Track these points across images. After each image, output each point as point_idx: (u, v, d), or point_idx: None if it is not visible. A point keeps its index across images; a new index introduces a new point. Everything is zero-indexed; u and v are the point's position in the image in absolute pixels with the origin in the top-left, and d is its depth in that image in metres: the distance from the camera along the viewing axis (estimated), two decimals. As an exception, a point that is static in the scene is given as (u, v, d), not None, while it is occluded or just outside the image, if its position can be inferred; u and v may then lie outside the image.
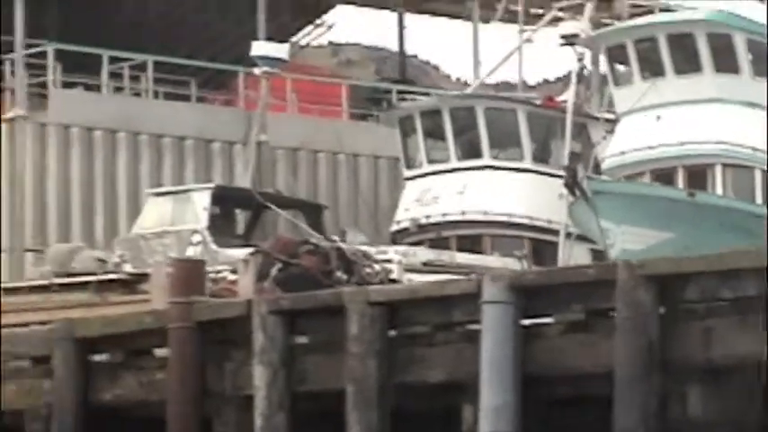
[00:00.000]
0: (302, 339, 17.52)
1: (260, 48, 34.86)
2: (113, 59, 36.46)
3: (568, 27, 33.97)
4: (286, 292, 20.81)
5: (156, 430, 18.52)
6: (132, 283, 23.38)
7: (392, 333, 16.66)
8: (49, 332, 19.41)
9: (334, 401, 16.98)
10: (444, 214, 32.69)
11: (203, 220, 30.48)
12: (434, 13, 44.45)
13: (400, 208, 33.50)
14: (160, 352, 18.70)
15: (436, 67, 53.09)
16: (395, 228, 33.16)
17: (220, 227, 31.09)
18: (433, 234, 32.32)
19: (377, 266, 23.79)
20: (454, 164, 33.23)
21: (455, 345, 16.30)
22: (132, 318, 19.17)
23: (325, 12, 44.83)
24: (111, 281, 23.49)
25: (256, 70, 34.56)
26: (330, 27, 44.78)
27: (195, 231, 30.28)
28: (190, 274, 18.47)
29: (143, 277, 23.21)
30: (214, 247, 29.52)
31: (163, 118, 36.72)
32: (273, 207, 31.87)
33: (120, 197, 35.86)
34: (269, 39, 37.24)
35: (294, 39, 43.96)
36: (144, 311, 19.69)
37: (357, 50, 49.62)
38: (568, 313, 15.59)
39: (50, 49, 35.32)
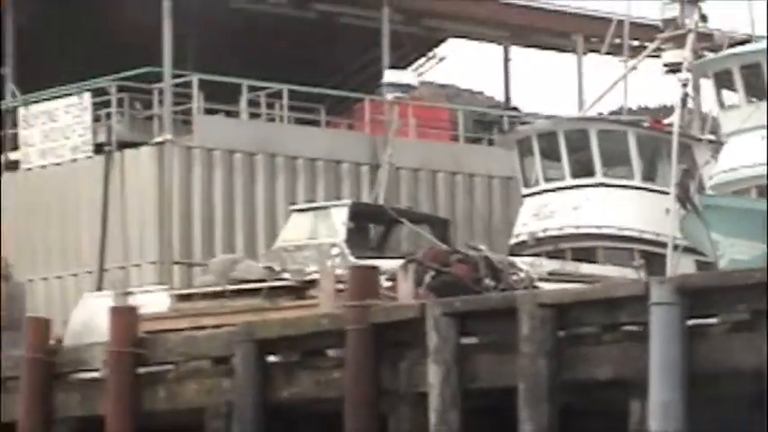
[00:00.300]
0: (472, 340, 17.16)
1: (391, 76, 34.68)
2: (251, 88, 36.20)
3: (673, 56, 33.46)
4: (439, 297, 20.46)
5: (330, 426, 18.22)
6: (300, 289, 23.14)
7: (561, 333, 16.30)
8: (230, 334, 19.11)
9: (503, 398, 16.66)
10: (560, 228, 32.25)
11: (341, 234, 30.23)
12: (539, 47, 43.83)
13: (518, 222, 33.10)
14: (333, 352, 18.39)
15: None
16: (514, 240, 32.73)
17: (356, 240, 30.82)
18: (549, 246, 31.86)
19: (522, 274, 23.47)
20: (569, 182, 32.80)
21: (622, 344, 15.95)
22: (309, 320, 18.83)
23: (437, 45, 44.43)
24: (280, 287, 23.22)
25: (388, 96, 34.41)
26: (442, 59, 44.33)
27: (334, 244, 30.02)
28: (365, 280, 18.12)
29: (311, 284, 22.97)
30: (351, 258, 29.17)
31: (296, 141, 36.50)
32: (406, 221, 31.60)
33: (258, 214, 35.60)
34: (392, 68, 37.14)
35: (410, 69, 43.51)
36: (320, 314, 19.39)
37: (429, 88, 49.05)
38: (733, 313, 15.21)
39: (195, 78, 35.13)
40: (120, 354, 19.65)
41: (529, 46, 43.90)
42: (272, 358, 18.74)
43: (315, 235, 30.58)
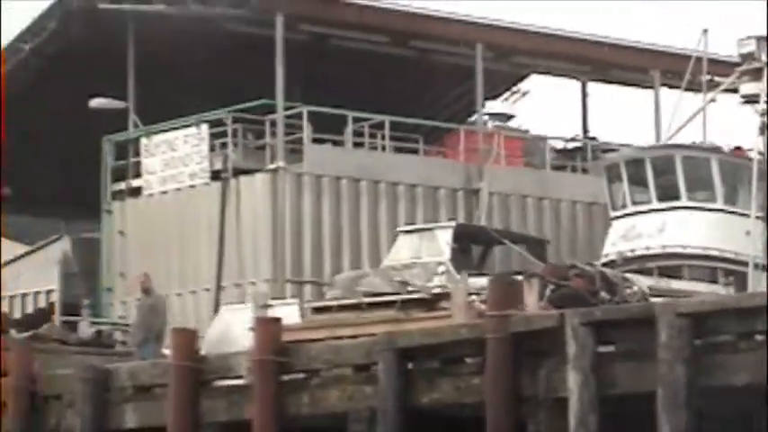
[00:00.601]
0: (609, 348, 16.59)
1: (493, 107, 34.34)
2: (355, 119, 35.78)
3: (750, 88, 32.83)
4: (557, 309, 19.92)
5: (469, 430, 17.73)
6: (431, 302, 22.65)
7: (697, 342, 15.70)
8: (371, 343, 18.59)
9: (639, 404, 16.10)
10: (647, 248, 31.63)
11: (446, 254, 29.71)
12: (617, 82, 43.15)
13: (607, 243, 32.49)
14: (471, 360, 17.86)
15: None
16: (603, 260, 32.02)
17: (459, 259, 30.25)
18: (636, 265, 31.16)
19: (635, 288, 22.88)
20: (655, 205, 32.19)
21: (757, 352, 15.32)
22: (448, 330, 18.35)
23: (521, 80, 43.87)
24: (412, 300, 22.73)
25: (490, 125, 34.02)
26: (525, 93, 43.76)
27: (440, 263, 29.47)
28: (505, 291, 17.55)
29: (442, 296, 22.48)
30: (456, 276, 28.63)
31: (397, 169, 36.03)
32: (507, 242, 31.07)
33: (363, 236, 35.14)
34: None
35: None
36: (460, 324, 18.90)
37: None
38: None
39: (305, 110, 34.71)
40: (265, 362, 19.19)
41: (607, 81, 43.15)
42: (412, 365, 18.21)
43: (421, 254, 30.03)
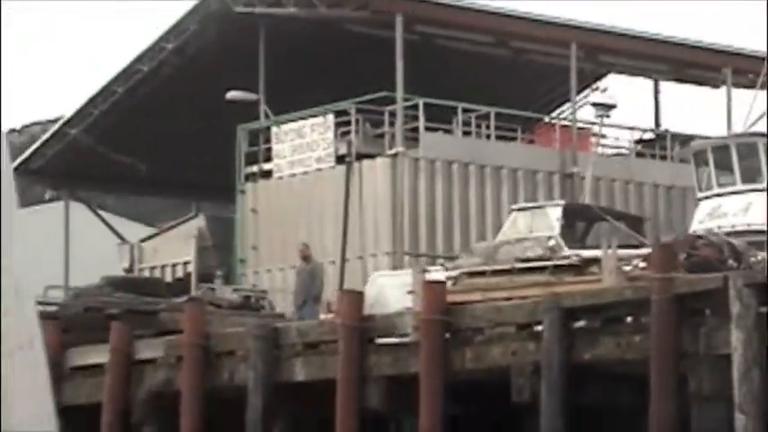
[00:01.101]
0: None
1: (597, 97, 33.22)
2: (464, 110, 34.73)
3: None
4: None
5: (630, 385, 16.67)
6: (581, 268, 21.54)
7: None
8: (535, 304, 17.52)
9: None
10: (733, 225, 30.28)
11: (556, 229, 28.46)
12: (690, 81, 41.81)
13: (694, 221, 31.20)
14: (632, 319, 16.77)
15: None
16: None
17: (567, 234, 29.07)
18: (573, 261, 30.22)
19: (759, 256, 21.64)
20: (739, 187, 30.88)
21: None
22: (612, 291, 17.26)
23: (600, 78, 42.54)
24: (563, 265, 21.62)
25: (595, 114, 32.94)
26: (605, 90, 42.36)
27: (550, 237, 28.28)
28: (667, 256, 16.46)
29: (592, 262, 21.36)
30: (565, 249, 27.47)
31: (500, 154, 35.02)
32: (610, 218, 29.87)
33: (471, 214, 34.11)
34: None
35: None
36: (624, 286, 17.80)
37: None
38: None
39: (421, 102, 33.67)
40: (431, 321, 18.16)
41: (680, 80, 41.83)
42: (575, 324, 17.12)
43: (533, 229, 28.85)
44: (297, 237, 34.54)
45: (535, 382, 17.12)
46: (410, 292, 20.04)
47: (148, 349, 22.32)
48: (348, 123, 34.28)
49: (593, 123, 38.15)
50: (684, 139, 38.86)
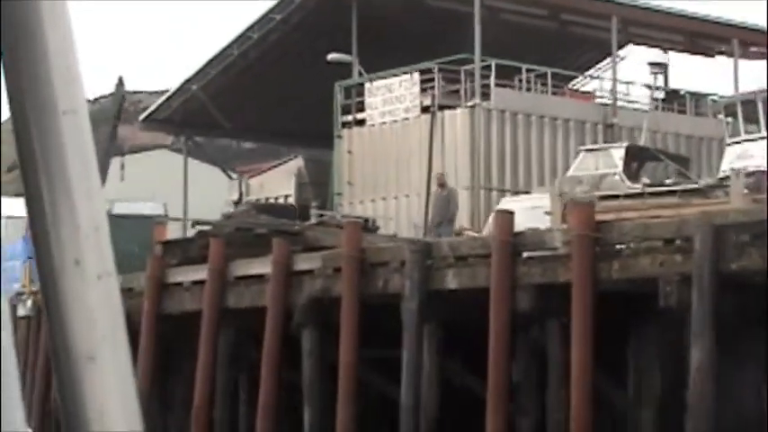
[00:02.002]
0: None
1: (654, 57, 31.05)
2: (527, 70, 32.52)
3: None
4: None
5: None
6: (706, 192, 19.37)
7: None
8: (681, 221, 15.32)
9: None
10: (758, 166, 28.08)
11: (620, 167, 26.35)
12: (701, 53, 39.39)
13: (724, 162, 28.88)
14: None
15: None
16: (721, 175, 28.66)
17: (626, 171, 26.90)
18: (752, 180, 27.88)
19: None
20: (764, 134, 28.62)
21: None
22: (758, 209, 15.03)
23: (621, 47, 40.14)
24: (691, 189, 19.44)
25: (650, 71, 30.72)
26: (623, 59, 40.05)
27: (615, 173, 26.13)
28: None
29: (716, 186, 19.19)
30: (627, 183, 25.34)
31: (555, 107, 32.90)
32: (665, 158, 27.71)
33: (533, 156, 31.98)
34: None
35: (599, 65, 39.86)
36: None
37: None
38: None
39: (493, 63, 31.45)
40: (582, 236, 15.91)
41: (692, 51, 39.41)
42: (724, 239, 14.93)
43: (598, 167, 26.70)
44: (386, 174, 32.73)
45: (682, 291, 15.00)
46: (547, 213, 17.95)
47: (306, 262, 20.15)
48: (431, 80, 32.07)
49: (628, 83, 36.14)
50: (698, 98, 36.85)
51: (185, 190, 38.81)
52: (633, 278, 15.74)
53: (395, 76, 32.90)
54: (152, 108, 39.02)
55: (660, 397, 16.78)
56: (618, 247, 15.91)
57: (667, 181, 25.00)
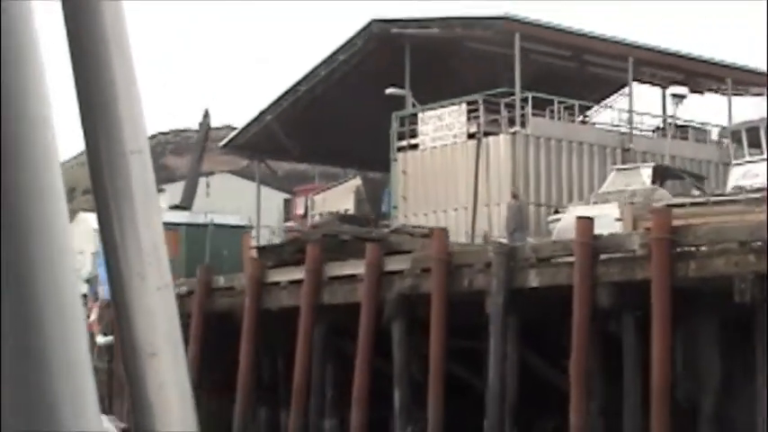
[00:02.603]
0: None
1: (674, 90, 30.09)
2: (559, 102, 31.50)
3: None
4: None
5: None
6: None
7: None
8: (756, 224, 14.28)
9: None
10: (762, 183, 26.99)
11: (648, 183, 25.27)
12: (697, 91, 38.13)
13: (730, 181, 27.82)
14: None
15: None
16: (729, 191, 27.56)
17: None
18: (758, 195, 26.70)
19: None
20: (766, 156, 27.53)
21: None
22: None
23: (623, 86, 38.89)
24: (753, 198, 18.31)
25: (672, 101, 29.59)
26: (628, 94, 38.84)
27: (644, 190, 25.04)
28: None
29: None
30: (655, 196, 24.26)
31: (581, 133, 31.89)
32: (686, 176, 26.63)
33: (563, 175, 30.81)
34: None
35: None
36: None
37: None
38: None
39: (530, 95, 30.42)
40: (661, 239, 14.90)
41: (691, 89, 38.18)
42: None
43: (629, 185, 25.63)
44: (436, 190, 31.66)
45: (756, 288, 13.96)
46: (618, 220, 16.94)
47: (395, 263, 19.14)
48: (476, 110, 31.05)
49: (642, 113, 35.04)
50: (700, 128, 35.82)
51: (258, 205, 37.82)
52: (707, 277, 14.71)
53: (443, 107, 31.89)
54: (232, 135, 38.06)
55: (719, 386, 15.72)
56: (693, 248, 14.89)
57: (695, 193, 23.93)
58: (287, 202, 42.99)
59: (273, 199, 41.10)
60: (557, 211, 26.88)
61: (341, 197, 36.11)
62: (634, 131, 33.65)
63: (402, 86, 33.24)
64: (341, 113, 35.49)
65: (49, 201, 0.84)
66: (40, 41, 0.92)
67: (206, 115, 35.15)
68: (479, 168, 30.38)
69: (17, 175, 0.84)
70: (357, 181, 36.45)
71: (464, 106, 31.32)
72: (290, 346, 21.27)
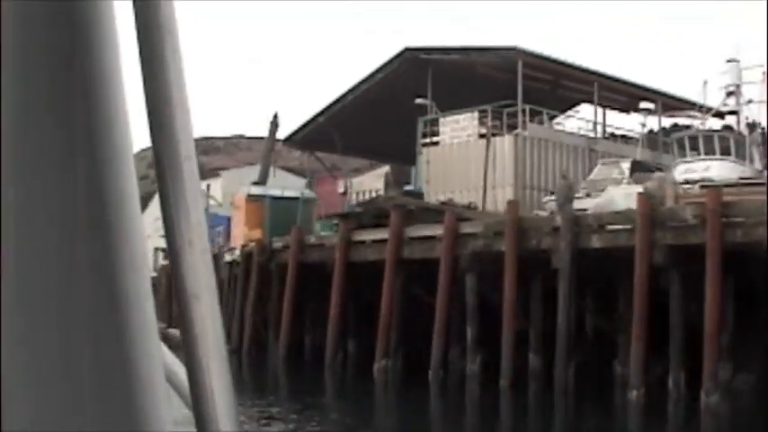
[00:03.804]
0: None
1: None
2: (546, 113, 29.59)
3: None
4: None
5: None
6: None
7: None
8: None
9: None
10: (701, 177, 24.81)
11: (627, 174, 23.40)
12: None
13: (676, 173, 25.68)
14: None
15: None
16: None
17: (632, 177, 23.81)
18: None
19: None
20: (702, 157, 25.38)
21: None
22: None
23: (575, 105, 36.79)
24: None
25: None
26: (578, 111, 36.68)
27: (624, 179, 23.09)
28: None
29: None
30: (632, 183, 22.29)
31: (560, 137, 29.87)
32: (654, 168, 24.71)
33: (555, 168, 28.60)
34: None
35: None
36: None
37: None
38: None
39: (527, 108, 28.52)
40: (714, 210, 13.08)
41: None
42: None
43: (612, 175, 23.75)
44: (452, 176, 29.54)
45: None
46: (650, 197, 15.03)
47: (469, 227, 17.13)
48: (485, 117, 29.03)
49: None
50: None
51: (309, 186, 35.46)
52: (754, 242, 12.94)
53: (459, 114, 29.84)
54: (291, 132, 35.69)
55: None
56: (739, 219, 13.10)
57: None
58: (309, 184, 40.46)
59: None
60: (552, 193, 25.05)
61: (373, 181, 33.98)
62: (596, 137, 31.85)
63: (426, 98, 31.13)
64: (375, 118, 33.34)
65: (126, 200, 0.72)
66: (119, 37, 0.73)
67: (275, 116, 32.96)
68: (488, 160, 28.41)
69: (92, 172, 0.70)
70: (386, 168, 34.30)
71: (476, 114, 29.32)
72: (373, 291, 19.25)
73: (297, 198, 26.92)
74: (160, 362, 0.72)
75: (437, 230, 17.50)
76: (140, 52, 0.74)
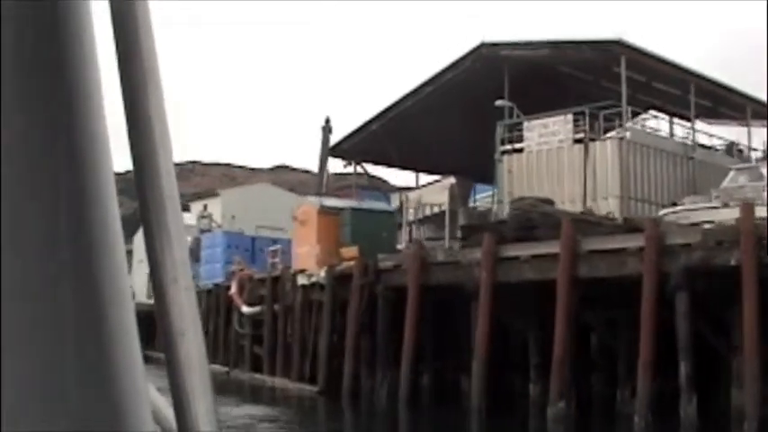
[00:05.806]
0: None
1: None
2: (633, 113, 27.49)
3: None
4: None
5: None
6: None
7: None
8: None
9: None
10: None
11: (764, 179, 21.08)
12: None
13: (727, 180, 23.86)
14: None
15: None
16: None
17: None
18: None
19: None
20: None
21: None
22: None
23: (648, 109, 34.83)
24: None
25: None
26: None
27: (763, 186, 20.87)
28: None
29: None
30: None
31: (660, 142, 27.67)
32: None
33: (652, 177, 26.57)
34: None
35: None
36: None
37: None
38: None
39: (629, 109, 26.32)
40: (748, 231, 10.97)
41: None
42: None
43: (747, 181, 21.59)
44: (541, 186, 27.10)
45: None
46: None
47: (680, 237, 14.55)
48: (581, 120, 26.67)
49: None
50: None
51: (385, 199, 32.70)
52: None
53: (548, 117, 27.44)
54: (339, 140, 32.87)
55: None
56: None
57: None
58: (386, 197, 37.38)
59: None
60: (674, 204, 22.73)
61: (435, 194, 31.30)
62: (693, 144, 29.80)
63: (494, 99, 28.74)
64: (438, 125, 30.81)
65: (106, 201, 0.71)
66: (97, 44, 0.72)
67: (327, 121, 30.17)
68: (587, 168, 26.04)
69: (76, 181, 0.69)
70: (451, 180, 31.71)
71: (570, 116, 26.95)
72: (525, 317, 16.48)
73: (384, 211, 24.16)
74: (141, 364, 0.70)
75: (628, 242, 14.91)
76: (117, 54, 0.72)
